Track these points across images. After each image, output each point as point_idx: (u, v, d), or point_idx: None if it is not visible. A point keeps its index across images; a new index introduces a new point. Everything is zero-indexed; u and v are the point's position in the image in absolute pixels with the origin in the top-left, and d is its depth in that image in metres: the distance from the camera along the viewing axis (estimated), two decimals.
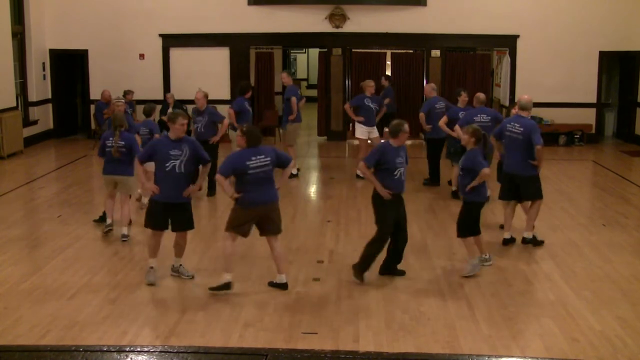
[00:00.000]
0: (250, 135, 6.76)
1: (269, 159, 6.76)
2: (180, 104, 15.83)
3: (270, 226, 6.92)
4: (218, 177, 6.73)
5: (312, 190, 12.01)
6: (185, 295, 6.88)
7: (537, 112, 16.19)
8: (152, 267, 7.21)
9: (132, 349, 2.50)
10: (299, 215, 9.94)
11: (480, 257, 7.57)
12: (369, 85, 12.24)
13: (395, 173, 7.07)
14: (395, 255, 7.38)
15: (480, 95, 10.38)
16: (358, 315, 6.39)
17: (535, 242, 8.42)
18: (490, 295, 6.89)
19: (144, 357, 2.45)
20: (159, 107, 13.42)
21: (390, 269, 7.40)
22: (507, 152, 8.50)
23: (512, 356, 5.56)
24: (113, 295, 6.87)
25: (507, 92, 16.43)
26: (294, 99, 12.28)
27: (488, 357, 4.45)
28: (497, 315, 6.44)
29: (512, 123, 8.39)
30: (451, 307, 6.61)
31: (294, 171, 12.28)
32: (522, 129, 8.22)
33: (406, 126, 7.17)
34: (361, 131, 12.20)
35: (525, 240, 8.44)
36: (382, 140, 7.18)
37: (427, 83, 12.59)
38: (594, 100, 16.26)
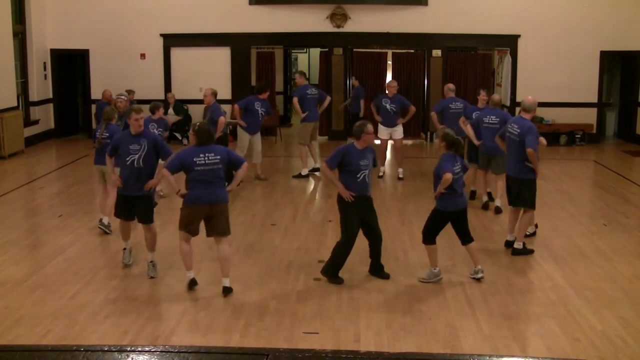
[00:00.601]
0: (199, 133, 6.79)
1: (218, 157, 6.76)
2: (181, 103, 15.86)
3: (216, 227, 6.84)
4: (164, 172, 6.79)
5: (313, 189, 12.00)
6: (187, 295, 6.88)
7: (538, 111, 16.00)
8: (124, 249, 7.69)
9: (133, 348, 2.49)
10: (299, 215, 9.94)
11: (431, 269, 7.25)
12: (390, 86, 12.15)
13: (359, 175, 7.04)
14: (376, 256, 7.35)
15: (495, 97, 10.11)
16: (359, 315, 6.39)
17: (525, 252, 8.07)
18: (491, 295, 6.89)
19: (145, 357, 2.44)
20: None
21: (376, 270, 7.35)
22: (507, 154, 8.36)
23: (513, 356, 5.56)
24: (114, 295, 6.87)
25: (508, 92, 16.42)
26: (295, 99, 12.39)
27: (489, 357, 4.44)
28: (498, 314, 6.43)
29: (512, 124, 8.25)
30: (452, 306, 6.61)
31: (303, 172, 12.38)
32: (519, 131, 8.01)
33: (369, 127, 7.10)
34: (382, 131, 12.14)
35: (515, 252, 8.06)
36: (347, 142, 6.92)
37: (445, 84, 12.20)
38: (595, 100, 16.25)
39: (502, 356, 5.47)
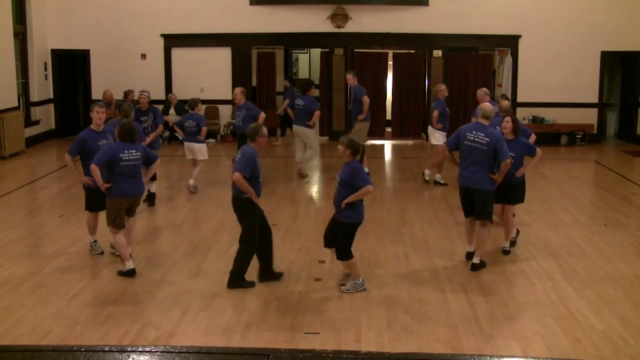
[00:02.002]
0: (121, 130, 7.32)
1: (139, 154, 7.37)
2: (183, 104, 15.85)
3: (132, 211, 7.58)
4: (93, 166, 7.24)
5: (314, 190, 12.00)
6: (187, 295, 6.88)
7: (538, 112, 16.24)
8: (95, 241, 8.09)
9: (133, 349, 2.49)
10: (300, 215, 9.94)
11: (355, 281, 7.00)
12: (441, 90, 11.85)
13: (260, 178, 7.04)
14: (268, 256, 7.21)
15: (504, 104, 9.32)
16: (360, 315, 6.39)
17: (483, 265, 7.65)
18: (492, 295, 6.89)
19: (146, 357, 2.45)
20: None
21: (269, 274, 7.21)
22: (464, 164, 7.66)
23: (514, 356, 5.56)
24: (115, 295, 6.87)
25: (508, 92, 16.40)
26: (366, 99, 12.40)
27: (490, 357, 4.44)
28: (499, 315, 6.43)
29: (475, 132, 7.54)
30: (453, 306, 6.61)
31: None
32: (487, 139, 7.43)
33: (264, 130, 7.07)
34: (439, 137, 11.69)
35: (474, 267, 7.61)
36: (248, 146, 6.92)
37: (479, 88, 11.41)
38: (595, 100, 16.24)
39: (502, 356, 5.48)
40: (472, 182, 7.56)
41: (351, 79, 12.65)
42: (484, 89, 11.11)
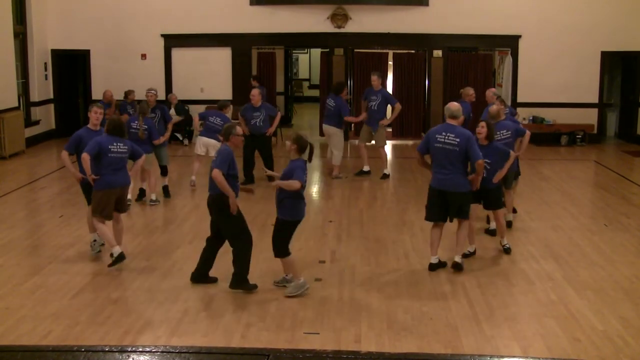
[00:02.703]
0: (110, 125, 7.73)
1: (126, 148, 7.74)
2: (183, 104, 15.85)
3: (122, 205, 7.87)
4: (83, 155, 7.53)
5: (314, 190, 12.00)
6: (187, 296, 6.88)
7: (539, 112, 16.24)
8: (94, 241, 8.12)
9: (134, 349, 2.50)
10: None
11: (296, 282, 6.88)
12: (469, 94, 11.65)
13: (237, 178, 7.08)
14: (211, 261, 7.12)
15: (492, 109, 8.91)
16: (360, 316, 6.39)
17: (458, 267, 7.53)
18: (492, 296, 6.89)
19: (146, 357, 2.45)
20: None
21: (204, 277, 7.12)
22: (437, 167, 7.47)
23: (514, 356, 5.55)
24: (115, 295, 6.87)
25: (509, 92, 16.42)
26: (398, 105, 12.45)
27: (490, 357, 4.45)
28: (499, 315, 6.43)
29: (445, 133, 7.35)
30: (453, 307, 6.61)
31: (386, 171, 12.53)
32: (458, 140, 7.27)
33: (238, 129, 7.06)
34: None
35: (457, 266, 7.52)
36: (224, 145, 7.00)
37: (488, 88, 11.30)
38: (595, 100, 16.25)
39: (502, 356, 5.48)
40: (447, 185, 7.38)
41: (375, 81, 12.26)
42: (493, 89, 10.92)
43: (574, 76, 16.03)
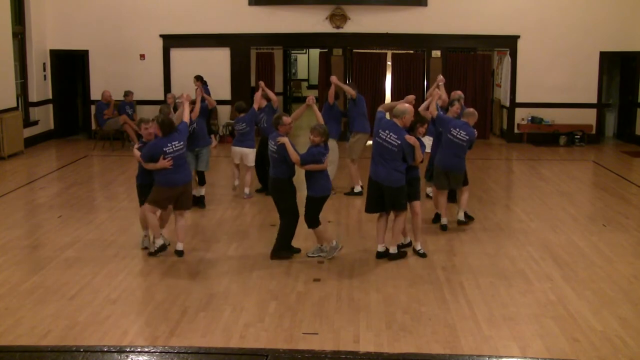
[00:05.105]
0: (160, 126, 7.73)
1: (182, 143, 7.80)
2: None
3: (184, 202, 7.99)
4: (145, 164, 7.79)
5: None
6: (186, 296, 6.88)
7: (537, 112, 16.26)
8: (145, 236, 8.30)
9: (132, 349, 2.50)
10: (300, 216, 9.91)
11: (331, 244, 7.88)
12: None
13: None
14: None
15: (469, 110, 9.15)
16: (359, 316, 6.39)
17: (401, 255, 7.94)
18: (490, 296, 6.89)
19: (145, 357, 2.45)
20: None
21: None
22: (376, 158, 7.80)
23: (513, 356, 5.55)
24: (114, 296, 6.87)
25: (507, 92, 16.44)
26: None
27: (489, 358, 4.45)
28: (498, 315, 6.44)
29: (387, 131, 7.64)
30: (452, 307, 6.61)
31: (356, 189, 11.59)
32: (398, 142, 7.57)
33: (285, 118, 7.82)
34: None
35: (392, 256, 7.86)
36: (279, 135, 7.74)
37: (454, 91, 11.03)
38: (594, 100, 16.26)
39: (501, 357, 5.47)
40: (382, 179, 7.73)
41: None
42: (459, 92, 10.54)
43: (573, 76, 16.05)
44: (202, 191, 10.34)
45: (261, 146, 10.88)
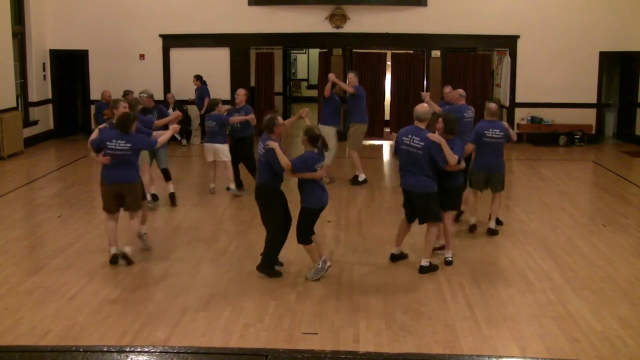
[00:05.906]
0: (117, 118, 7.75)
1: (128, 145, 7.52)
2: (181, 104, 15.85)
3: (125, 203, 7.73)
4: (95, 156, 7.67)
5: None
6: (186, 296, 6.88)
7: (537, 112, 16.25)
8: (145, 233, 8.26)
9: (132, 349, 2.50)
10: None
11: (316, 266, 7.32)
12: (445, 92, 11.12)
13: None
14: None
15: (492, 106, 8.89)
16: (358, 316, 6.39)
17: (433, 269, 7.57)
18: (490, 296, 6.89)
19: (145, 357, 2.45)
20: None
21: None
22: (404, 167, 7.55)
23: (513, 356, 5.55)
24: (114, 296, 6.87)
25: (507, 92, 16.44)
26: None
27: (488, 358, 4.45)
28: (498, 315, 6.43)
29: (410, 135, 7.38)
30: (452, 307, 6.61)
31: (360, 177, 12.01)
32: (422, 144, 7.30)
33: (279, 119, 7.28)
34: None
35: (422, 269, 7.51)
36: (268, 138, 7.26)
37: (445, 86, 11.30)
38: (594, 100, 16.26)
39: (501, 356, 5.48)
40: (411, 185, 7.46)
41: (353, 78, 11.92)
42: (460, 90, 10.56)
43: (573, 76, 16.04)
44: (170, 188, 10.39)
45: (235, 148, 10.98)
